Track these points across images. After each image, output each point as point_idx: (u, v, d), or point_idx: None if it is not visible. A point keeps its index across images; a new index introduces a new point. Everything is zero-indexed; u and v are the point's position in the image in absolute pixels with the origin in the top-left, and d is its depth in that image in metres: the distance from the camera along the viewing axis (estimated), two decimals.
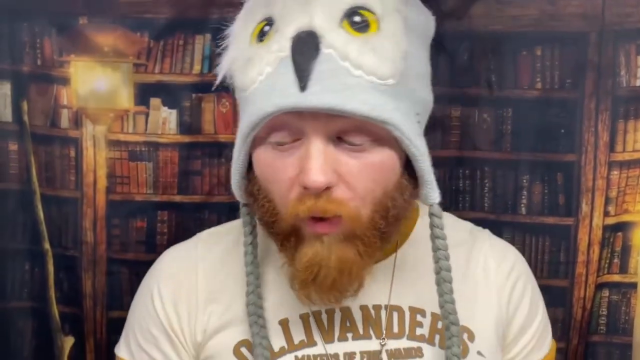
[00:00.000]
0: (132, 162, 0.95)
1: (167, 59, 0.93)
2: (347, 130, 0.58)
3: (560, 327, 0.90)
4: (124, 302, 0.91)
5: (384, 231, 0.61)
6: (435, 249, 0.63)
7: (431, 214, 0.63)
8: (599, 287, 0.90)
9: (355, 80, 0.56)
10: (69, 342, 0.98)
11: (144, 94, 0.93)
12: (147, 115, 0.94)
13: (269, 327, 0.65)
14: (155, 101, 0.94)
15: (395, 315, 0.67)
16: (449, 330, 0.63)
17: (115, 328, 0.87)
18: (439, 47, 0.79)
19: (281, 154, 0.60)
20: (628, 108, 0.87)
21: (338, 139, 0.58)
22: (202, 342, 0.67)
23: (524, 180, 0.89)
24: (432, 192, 0.62)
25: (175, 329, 0.67)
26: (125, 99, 0.94)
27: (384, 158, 0.60)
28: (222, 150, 0.93)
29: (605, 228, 0.89)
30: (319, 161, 0.57)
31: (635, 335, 0.90)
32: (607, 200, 0.88)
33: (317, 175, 0.57)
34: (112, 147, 0.94)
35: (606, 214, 0.88)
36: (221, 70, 0.63)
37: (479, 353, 0.66)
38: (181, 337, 0.67)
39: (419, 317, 0.67)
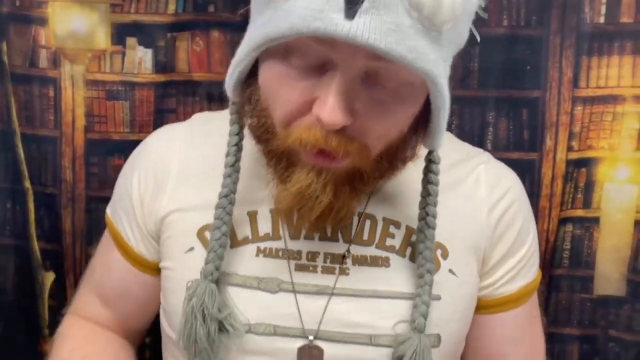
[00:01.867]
0: (109, 102, 0.96)
1: None
2: (380, 71, 0.54)
3: None
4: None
5: (385, 171, 0.61)
6: (426, 194, 0.62)
7: (430, 160, 0.62)
8: (563, 221, 0.92)
9: (410, 22, 0.49)
10: (49, 277, 1.01)
11: (120, 33, 0.95)
12: (123, 54, 0.95)
13: (237, 216, 0.65)
14: (131, 41, 0.95)
15: (367, 223, 0.66)
16: (422, 278, 0.62)
17: None
18: None
19: (297, 73, 0.55)
20: (592, 45, 0.88)
21: (365, 74, 0.54)
22: (165, 220, 0.68)
23: (490, 117, 0.91)
24: (439, 140, 0.60)
25: (143, 203, 0.70)
26: (102, 39, 0.96)
27: (409, 104, 0.56)
28: (196, 89, 0.95)
29: (569, 163, 0.91)
30: (341, 99, 0.52)
31: (597, 268, 0.93)
32: (571, 135, 0.90)
33: (336, 114, 0.52)
34: (90, 86, 0.96)
35: (570, 149, 0.90)
36: None
37: (450, 271, 0.66)
38: (145, 212, 0.70)
39: (392, 229, 0.67)
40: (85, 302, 0.79)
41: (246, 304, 0.64)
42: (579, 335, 0.95)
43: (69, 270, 0.99)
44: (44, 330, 1.01)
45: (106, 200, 0.97)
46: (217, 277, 0.62)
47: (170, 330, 0.70)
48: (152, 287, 0.73)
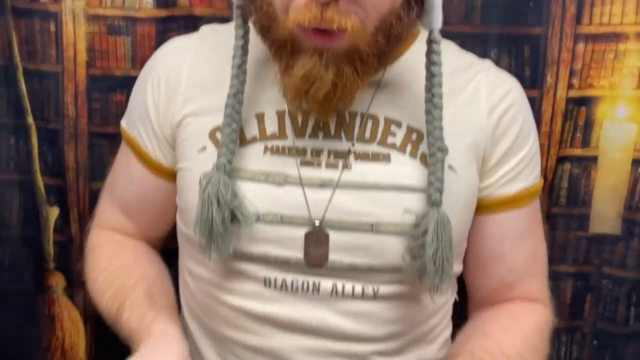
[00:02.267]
0: (110, 37, 0.96)
1: None
2: None
3: None
4: (105, 173, 0.94)
5: (383, 50, 0.63)
6: (430, 76, 0.65)
7: (430, 41, 0.64)
8: (561, 160, 0.93)
9: None
10: (54, 212, 1.03)
11: None
12: None
13: (245, 118, 0.69)
14: None
15: (369, 122, 0.69)
16: (434, 157, 0.65)
17: (98, 198, 0.92)
18: None
19: None
20: None
21: None
22: (179, 124, 0.72)
23: (492, 54, 0.90)
24: (436, 17, 0.63)
25: (158, 109, 0.74)
26: None
27: None
28: (197, 24, 0.94)
29: (569, 101, 0.91)
30: None
31: (593, 206, 0.94)
32: (572, 73, 0.90)
33: None
34: (91, 21, 0.95)
35: (570, 86, 0.90)
36: None
37: (450, 167, 0.69)
38: (161, 117, 0.74)
39: (393, 127, 0.69)
40: (108, 214, 0.83)
41: (255, 196, 0.67)
42: (573, 272, 0.96)
43: (73, 205, 1.01)
44: (49, 264, 1.03)
45: (108, 136, 0.99)
46: (229, 170, 0.66)
47: (185, 227, 0.73)
48: (169, 193, 0.76)
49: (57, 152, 1.00)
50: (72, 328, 1.05)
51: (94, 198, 0.99)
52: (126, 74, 0.96)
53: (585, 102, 0.91)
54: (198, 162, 0.70)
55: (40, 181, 1.02)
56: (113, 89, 0.98)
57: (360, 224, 0.67)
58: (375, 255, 0.67)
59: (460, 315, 0.84)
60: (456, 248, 0.72)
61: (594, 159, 0.93)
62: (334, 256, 0.67)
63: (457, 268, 0.75)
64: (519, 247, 0.75)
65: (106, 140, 0.99)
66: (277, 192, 0.67)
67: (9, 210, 1.03)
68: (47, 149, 1.00)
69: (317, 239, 0.67)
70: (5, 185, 1.02)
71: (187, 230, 0.73)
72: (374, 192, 0.67)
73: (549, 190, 0.94)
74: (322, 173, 0.68)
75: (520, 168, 0.73)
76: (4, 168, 1.02)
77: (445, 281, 0.66)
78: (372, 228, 0.67)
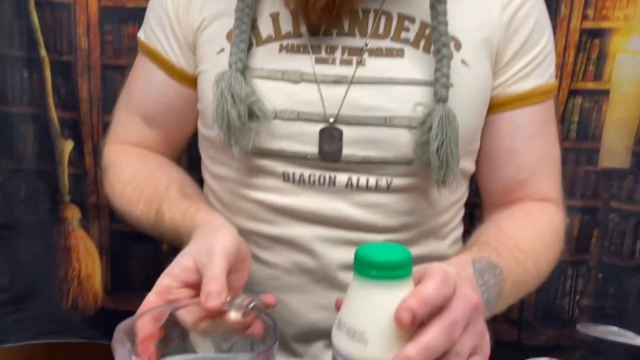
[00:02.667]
0: None
1: None
2: None
3: None
4: None
5: None
6: None
7: None
8: (572, 93, 0.93)
9: None
10: (68, 145, 1.04)
11: None
12: None
13: (260, 18, 0.71)
14: None
15: (383, 18, 0.70)
16: (439, 53, 0.67)
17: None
18: None
19: None
20: None
21: None
22: (199, 28, 0.74)
23: None
24: None
25: (178, 14, 0.75)
26: None
27: None
28: None
29: (583, 32, 0.90)
30: None
31: (603, 141, 0.95)
32: (587, 4, 0.90)
33: None
34: None
35: (585, 17, 0.90)
36: None
37: (462, 62, 0.70)
38: (182, 22, 0.75)
39: (406, 23, 0.70)
40: (126, 126, 0.84)
41: (272, 93, 0.69)
42: (581, 206, 0.98)
43: (87, 137, 1.02)
44: (64, 196, 1.05)
45: (121, 68, 0.99)
46: (241, 67, 0.68)
47: (206, 130, 0.75)
48: (191, 100, 0.78)
49: (70, 85, 1.01)
50: (87, 259, 1.08)
51: (107, 130, 1.00)
52: (138, 5, 0.96)
53: (599, 34, 0.91)
54: (216, 63, 0.71)
55: (54, 114, 1.03)
56: (125, 20, 0.98)
57: (374, 119, 0.68)
58: (388, 148, 0.69)
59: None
60: (468, 145, 0.73)
61: (606, 93, 0.93)
62: (348, 150, 0.69)
63: (470, 166, 0.77)
64: (531, 145, 0.75)
65: (119, 73, 0.99)
66: (293, 89, 0.69)
67: (24, 144, 1.05)
68: (61, 81, 1.01)
69: (330, 135, 0.69)
70: (19, 118, 1.03)
71: (207, 133, 0.75)
72: (388, 87, 0.68)
73: (560, 123, 0.94)
74: (337, 70, 0.69)
75: (534, 65, 0.73)
76: (17, 101, 1.03)
77: (450, 176, 0.67)
78: (386, 122, 0.68)
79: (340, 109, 0.68)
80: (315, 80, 0.69)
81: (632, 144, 0.94)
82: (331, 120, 0.68)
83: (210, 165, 0.78)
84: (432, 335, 0.44)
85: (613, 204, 0.97)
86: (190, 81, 0.78)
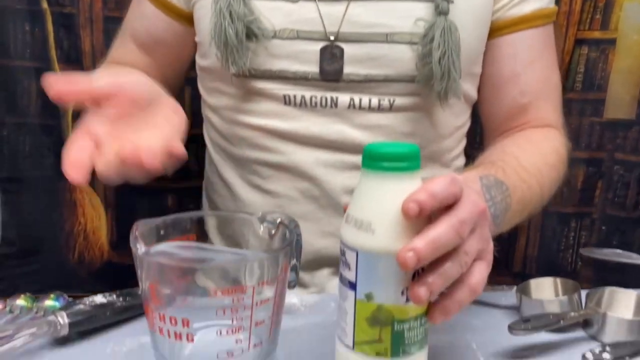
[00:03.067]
0: None
1: None
2: None
3: None
4: None
5: None
6: None
7: None
8: (579, 43, 0.92)
9: None
10: None
11: None
12: None
13: None
14: None
15: None
16: None
17: None
18: None
19: None
20: None
21: None
22: None
23: None
24: None
25: None
26: None
27: None
28: None
29: None
30: None
31: (609, 91, 0.94)
32: None
33: None
34: None
35: None
36: None
37: None
38: None
39: None
40: (122, 50, 0.85)
41: (270, 12, 0.69)
42: (585, 158, 0.98)
43: None
44: None
45: (123, 20, 0.99)
46: None
47: (203, 60, 0.76)
48: (184, 35, 0.78)
49: (73, 38, 1.00)
50: (93, 213, 1.09)
51: None
52: None
53: None
54: None
55: (57, 68, 1.02)
56: None
57: (375, 35, 0.68)
58: (390, 65, 0.69)
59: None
60: (470, 67, 0.73)
61: (612, 42, 0.92)
62: (350, 69, 0.69)
63: (472, 92, 0.77)
64: (532, 69, 0.76)
65: (120, 25, 0.99)
66: (292, 7, 0.69)
67: (28, 98, 1.04)
68: (63, 34, 1.01)
69: (331, 53, 0.69)
70: (22, 72, 1.03)
71: (205, 63, 0.75)
72: (388, 3, 0.68)
73: (565, 74, 0.93)
74: None
75: None
76: (20, 55, 1.02)
77: (453, 88, 0.68)
78: (387, 38, 0.68)
79: (341, 27, 0.68)
80: None
81: (638, 94, 0.93)
82: (332, 38, 0.68)
83: (209, 98, 0.78)
84: (440, 230, 0.44)
85: (618, 156, 0.97)
86: (181, 16, 0.78)
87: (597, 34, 0.92)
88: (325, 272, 0.76)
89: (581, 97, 0.95)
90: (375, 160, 0.45)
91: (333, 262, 0.69)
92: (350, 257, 0.45)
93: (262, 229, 0.55)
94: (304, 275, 0.76)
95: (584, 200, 0.99)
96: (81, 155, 0.51)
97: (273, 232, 0.55)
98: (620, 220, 0.99)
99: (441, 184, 0.44)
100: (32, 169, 1.07)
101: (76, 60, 1.01)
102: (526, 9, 0.74)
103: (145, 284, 0.50)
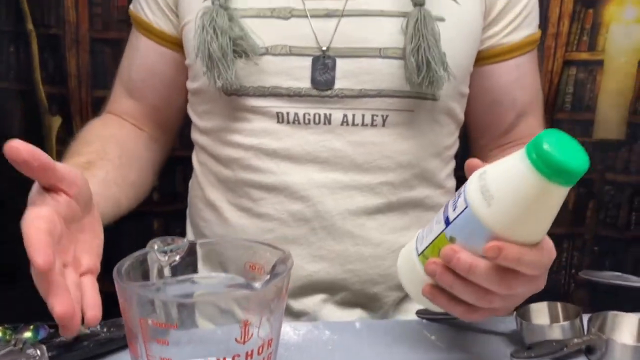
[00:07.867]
0: None
1: None
2: None
3: None
4: (107, 81, 0.94)
5: None
6: None
7: None
8: (567, 64, 0.93)
9: None
10: (56, 122, 1.02)
11: None
12: None
13: None
14: None
15: None
16: None
17: (100, 107, 0.91)
18: None
19: None
20: None
21: None
22: None
23: None
24: None
25: None
26: None
27: None
28: None
29: (577, 1, 0.90)
30: None
31: (598, 112, 0.94)
32: None
33: None
34: None
35: None
36: None
37: None
38: None
39: None
40: (114, 97, 0.83)
41: (261, 29, 0.69)
42: None
43: (75, 113, 1.00)
44: None
45: (110, 42, 0.98)
46: (224, 1, 0.68)
47: (193, 83, 0.75)
48: (175, 63, 0.77)
49: (58, 59, 0.99)
50: None
51: (96, 106, 0.98)
52: None
53: (592, 3, 0.91)
54: (201, 11, 0.71)
55: (41, 90, 1.01)
56: None
57: (368, 50, 0.68)
58: (383, 79, 0.69)
59: None
60: (459, 86, 0.73)
61: (600, 63, 0.93)
62: (344, 84, 0.69)
63: (459, 112, 0.76)
64: (525, 91, 0.77)
65: (108, 47, 0.98)
66: (284, 24, 0.69)
67: (11, 120, 1.02)
68: (49, 56, 0.99)
69: (323, 63, 0.68)
70: (6, 94, 1.01)
71: (195, 85, 0.74)
72: (379, 18, 0.69)
73: (554, 94, 0.94)
74: (327, 3, 0.69)
75: (524, 16, 0.75)
76: (4, 77, 1.01)
77: (435, 78, 0.67)
78: (380, 53, 0.68)
79: (333, 42, 0.68)
80: (306, 14, 0.69)
81: (627, 114, 0.94)
82: (324, 48, 0.68)
83: (200, 122, 0.77)
84: (531, 255, 0.47)
85: (608, 176, 0.97)
86: (171, 42, 0.77)
87: (584, 55, 0.93)
88: (317, 299, 0.73)
89: (570, 117, 0.95)
90: (550, 168, 0.43)
91: (326, 287, 0.67)
92: (461, 204, 0.48)
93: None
94: (294, 303, 0.73)
95: (576, 221, 0.99)
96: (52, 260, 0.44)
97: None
98: (612, 240, 0.98)
99: (535, 255, 0.47)
100: (11, 193, 1.05)
101: (61, 82, 1.00)
102: (519, 36, 0.75)
103: (129, 317, 0.47)
